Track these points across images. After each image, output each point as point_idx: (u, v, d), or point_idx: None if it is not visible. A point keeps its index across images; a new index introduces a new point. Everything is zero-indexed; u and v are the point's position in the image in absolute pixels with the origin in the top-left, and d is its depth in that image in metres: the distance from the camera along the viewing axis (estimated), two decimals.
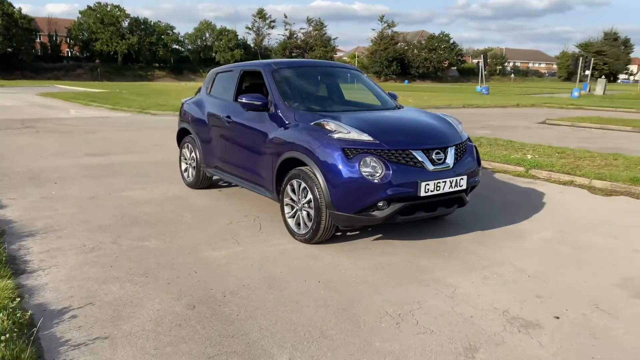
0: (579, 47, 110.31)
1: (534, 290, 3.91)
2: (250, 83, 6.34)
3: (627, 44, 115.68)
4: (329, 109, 5.54)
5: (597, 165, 8.27)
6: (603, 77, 67.65)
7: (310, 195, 4.64)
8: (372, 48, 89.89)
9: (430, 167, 4.53)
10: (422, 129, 4.91)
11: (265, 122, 5.31)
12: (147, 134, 13.29)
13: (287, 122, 5.07)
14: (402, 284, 3.99)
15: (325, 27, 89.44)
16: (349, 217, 4.49)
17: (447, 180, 4.59)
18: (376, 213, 4.46)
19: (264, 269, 4.24)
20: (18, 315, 3.21)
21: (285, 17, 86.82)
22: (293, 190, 4.92)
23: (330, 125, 4.65)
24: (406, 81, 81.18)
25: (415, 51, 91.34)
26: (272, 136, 5.13)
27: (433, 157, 4.59)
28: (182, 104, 7.26)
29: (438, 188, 4.54)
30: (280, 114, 5.18)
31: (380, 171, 4.35)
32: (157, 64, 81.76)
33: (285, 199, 5.01)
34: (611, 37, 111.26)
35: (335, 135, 4.53)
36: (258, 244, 4.83)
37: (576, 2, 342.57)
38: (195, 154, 6.67)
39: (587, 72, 52.40)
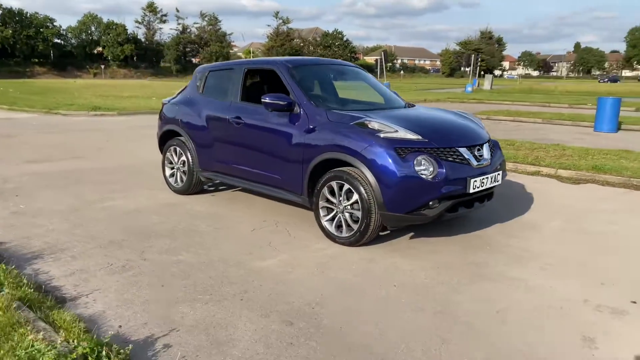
0: (459, 45, 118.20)
1: (593, 277, 4.12)
2: (253, 82, 6.04)
3: (500, 42, 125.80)
4: (356, 107, 5.42)
5: (554, 156, 8.90)
6: (490, 72, 72.84)
7: (355, 197, 4.52)
8: (269, 44, 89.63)
9: (474, 163, 4.62)
10: (459, 127, 4.98)
11: (289, 123, 5.10)
12: (78, 136, 12.20)
13: (315, 123, 4.89)
14: (473, 281, 4.02)
15: (220, 22, 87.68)
16: (400, 217, 4.45)
17: (489, 175, 4.71)
18: (427, 212, 4.45)
19: (328, 276, 4.08)
20: (120, 351, 2.81)
21: (177, 11, 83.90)
22: (331, 193, 4.77)
23: (374, 124, 4.57)
24: None
25: (311, 48, 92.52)
26: (301, 137, 4.94)
27: (475, 153, 4.68)
28: (164, 105, 6.75)
29: (482, 184, 4.64)
30: (306, 114, 4.99)
31: (433, 169, 4.35)
32: (36, 60, 75.27)
33: (321, 202, 4.84)
34: (487, 36, 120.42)
35: (384, 135, 4.45)
36: (300, 250, 4.64)
37: (452, 2, 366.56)
38: (188, 158, 6.24)
39: (469, 69, 56.38)
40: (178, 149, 6.41)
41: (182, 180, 6.47)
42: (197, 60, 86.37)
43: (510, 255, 4.60)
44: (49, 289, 3.76)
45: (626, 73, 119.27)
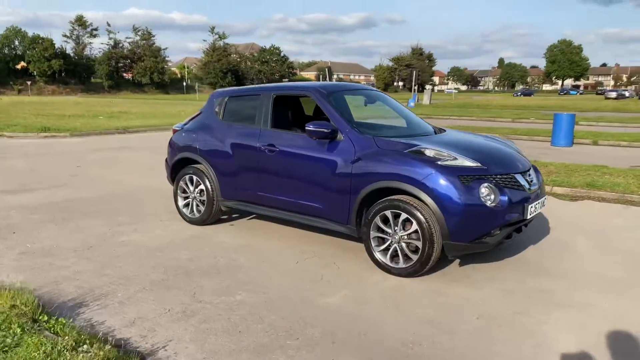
0: (392, 61, 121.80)
1: None
2: (282, 108, 5.84)
3: (430, 58, 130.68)
4: (396, 134, 5.33)
5: (543, 173, 9.18)
6: (422, 88, 74.79)
7: (415, 226, 4.44)
8: (205, 59, 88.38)
9: (528, 189, 4.66)
10: (508, 153, 5.01)
11: (331, 151, 4.96)
12: (43, 162, 11.40)
13: (363, 150, 4.78)
14: (548, 309, 4.02)
15: (154, 36, 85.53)
16: (464, 246, 4.41)
17: (540, 200, 4.77)
18: (488, 240, 4.44)
19: (404, 311, 3.96)
20: None
21: (109, 25, 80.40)
22: (385, 222, 4.66)
23: (430, 152, 4.53)
24: None
25: (249, 63, 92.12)
26: (347, 166, 4.81)
27: (527, 178, 4.73)
28: (175, 131, 6.42)
29: (535, 209, 4.69)
30: (352, 142, 4.87)
31: (495, 197, 4.35)
32: None
33: (373, 232, 4.72)
34: (418, 52, 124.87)
35: (444, 163, 4.41)
36: (358, 284, 4.49)
37: (380, 19, 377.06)
38: (207, 187, 5.94)
39: (401, 83, 58.09)
40: (195, 177, 6.09)
41: (198, 210, 6.15)
42: (130, 75, 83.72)
43: (562, 278, 4.65)
44: (118, 343, 3.41)
45: (547, 87, 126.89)
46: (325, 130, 4.89)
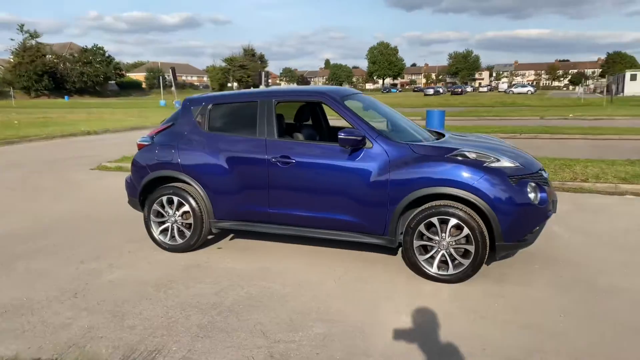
0: (225, 62, 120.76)
1: None
2: (280, 114, 5.35)
3: (262, 59, 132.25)
4: (420, 138, 5.18)
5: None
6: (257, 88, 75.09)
7: (465, 231, 4.41)
8: (15, 60, 78.41)
9: (549, 185, 4.91)
10: (520, 153, 5.18)
11: (360, 159, 4.69)
12: None
13: (398, 157, 4.61)
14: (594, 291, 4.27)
15: None
16: (513, 245, 4.49)
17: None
18: (529, 237, 4.58)
19: (492, 319, 3.90)
20: None
21: None
22: (430, 229, 4.56)
23: (473, 154, 4.53)
24: (66, 97, 74.04)
25: (69, 64, 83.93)
26: (382, 174, 4.59)
27: (545, 175, 4.98)
28: (143, 146, 5.53)
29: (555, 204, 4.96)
30: (383, 149, 4.66)
31: (537, 195, 4.51)
32: None
33: (416, 241, 4.58)
34: (250, 53, 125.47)
35: (491, 165, 4.45)
36: (418, 298, 4.31)
37: (204, 19, 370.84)
38: (194, 208, 5.22)
39: (235, 84, 57.44)
40: (175, 198, 5.32)
41: (182, 236, 5.39)
42: None
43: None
44: None
45: (369, 86, 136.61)
46: (358, 138, 4.60)
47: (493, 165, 4.44)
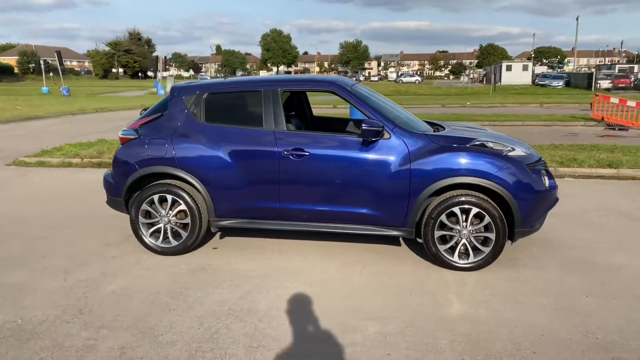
0: (109, 46, 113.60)
1: None
2: (290, 105, 5.07)
3: (149, 44, 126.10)
4: (424, 128, 5.12)
5: None
6: (145, 74, 70.01)
7: (487, 219, 4.50)
8: None
9: None
10: (520, 142, 5.34)
11: (378, 151, 4.60)
12: None
13: (418, 148, 4.58)
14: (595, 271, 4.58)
15: None
16: (529, 231, 4.65)
17: None
18: (536, 224, 4.77)
19: (531, 304, 4.01)
20: None
21: None
22: (450, 219, 4.59)
23: (490, 144, 4.62)
24: None
25: None
26: (402, 165, 4.54)
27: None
28: (125, 141, 4.98)
29: None
30: (402, 140, 4.61)
31: (548, 181, 4.71)
32: None
33: (437, 232, 4.59)
34: (136, 37, 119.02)
35: (510, 154, 4.56)
36: (447, 288, 4.33)
37: (80, 0, 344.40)
38: (192, 206, 4.82)
39: (121, 70, 53.41)
40: (169, 196, 4.86)
41: (177, 237, 4.96)
42: None
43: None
44: None
45: (262, 73, 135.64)
46: (379, 129, 4.49)
47: (511, 154, 4.54)
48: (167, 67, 52.22)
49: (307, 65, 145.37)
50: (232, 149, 4.76)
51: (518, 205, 4.44)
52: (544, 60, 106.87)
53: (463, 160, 4.48)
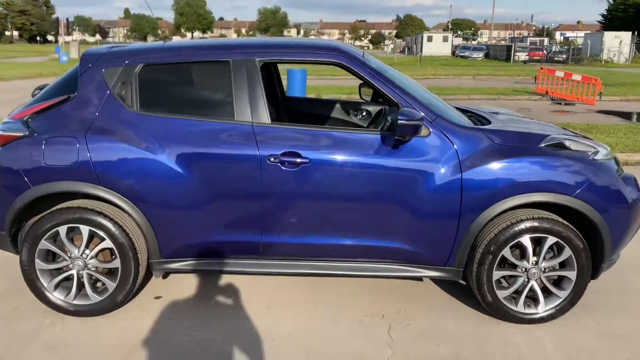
0: (1, 6, 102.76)
1: None
2: (272, 84, 3.38)
3: (48, 5, 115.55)
4: (460, 119, 3.55)
5: None
6: (43, 38, 63.65)
7: (568, 252, 3.13)
8: None
9: None
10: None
11: (411, 154, 3.08)
12: None
13: (469, 150, 3.10)
14: None
15: None
16: (613, 263, 3.37)
17: None
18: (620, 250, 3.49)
19: None
20: None
21: None
22: (515, 252, 3.19)
23: (569, 143, 3.23)
24: None
25: None
26: (450, 175, 3.05)
27: None
28: (11, 139, 3.09)
29: None
30: (447, 137, 3.10)
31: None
32: None
33: (497, 272, 3.17)
34: None
35: (597, 157, 3.20)
36: (517, 357, 2.96)
37: None
38: (123, 242, 3.06)
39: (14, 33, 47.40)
40: (85, 228, 3.07)
41: (98, 290, 3.21)
42: None
43: None
44: None
45: (176, 39, 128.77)
46: (418, 123, 2.93)
47: (598, 157, 3.17)
48: (69, 30, 47.22)
49: (223, 32, 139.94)
50: (185, 152, 3.04)
51: (610, 230, 3.09)
52: (459, 32, 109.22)
53: (537, 169, 3.06)
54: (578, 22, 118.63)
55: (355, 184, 3.06)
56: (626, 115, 12.94)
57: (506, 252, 3.13)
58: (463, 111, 3.79)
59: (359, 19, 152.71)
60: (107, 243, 3.09)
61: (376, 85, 3.13)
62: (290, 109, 4.48)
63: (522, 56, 44.57)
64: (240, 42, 3.31)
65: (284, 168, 3.01)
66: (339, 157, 3.05)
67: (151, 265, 3.21)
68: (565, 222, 3.10)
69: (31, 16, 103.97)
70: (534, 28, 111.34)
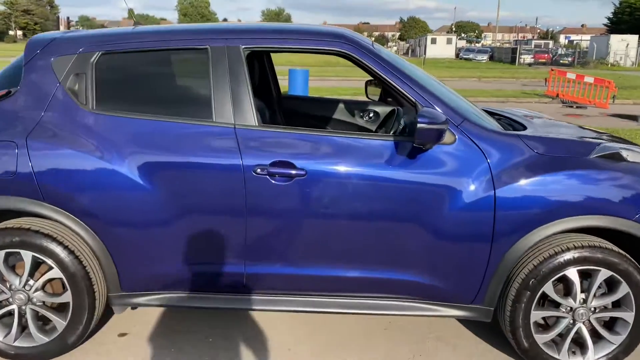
0: (4, 5, 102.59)
1: None
2: (261, 78, 2.79)
3: (52, 4, 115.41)
4: (488, 122, 2.94)
5: None
6: None
7: (624, 289, 2.53)
8: None
9: None
10: None
11: (429, 165, 2.48)
12: None
13: (503, 160, 2.50)
14: None
15: None
16: None
17: None
18: None
19: None
20: None
21: None
22: (558, 287, 2.58)
23: (628, 153, 2.63)
24: None
25: None
26: (483, 192, 2.45)
27: None
28: None
29: None
30: (476, 144, 2.50)
31: None
32: None
33: (535, 312, 2.56)
34: None
35: None
36: None
37: None
38: (79, 270, 2.47)
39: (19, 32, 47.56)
40: (27, 254, 2.48)
41: (45, 329, 2.61)
42: None
43: None
44: None
45: None
46: (442, 127, 2.33)
47: None
48: (70, 29, 46.76)
49: None
50: (151, 161, 2.44)
51: None
52: (462, 35, 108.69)
53: (590, 186, 2.47)
54: (582, 26, 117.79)
55: (362, 202, 2.46)
56: None
57: (548, 287, 2.53)
58: (490, 114, 3.19)
59: (363, 21, 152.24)
60: (56, 272, 2.49)
61: (389, 80, 2.53)
62: (286, 110, 3.88)
63: (527, 59, 43.98)
64: (222, 26, 2.72)
65: (273, 181, 2.42)
66: (342, 169, 2.45)
67: (110, 299, 2.61)
68: (622, 251, 2.50)
69: (35, 16, 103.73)
70: (538, 31, 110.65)
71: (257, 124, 2.48)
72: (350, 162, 2.45)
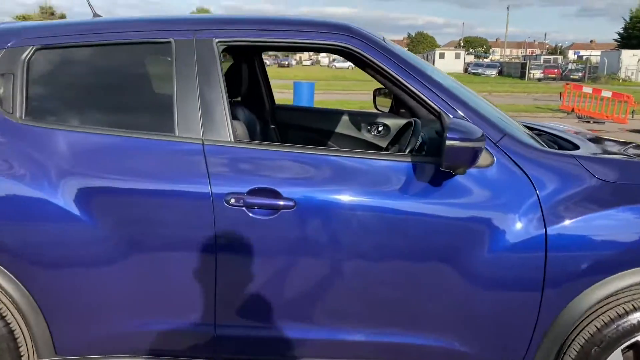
0: (17, 20, 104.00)
1: None
2: (237, 81, 2.22)
3: (64, 18, 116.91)
4: (530, 138, 2.33)
5: None
6: None
7: None
8: None
9: None
10: None
11: (460, 194, 1.88)
12: None
13: (558, 189, 1.91)
14: None
15: None
16: None
17: None
18: None
19: None
20: None
21: None
22: (627, 354, 1.96)
23: None
24: None
25: None
26: (531, 230, 1.86)
27: None
28: None
29: None
30: (520, 168, 1.90)
31: None
32: None
33: None
34: (48, 12, 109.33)
35: None
36: None
37: None
38: (6, 330, 1.88)
39: None
40: None
41: None
42: None
43: None
44: None
45: None
46: (478, 145, 1.72)
47: None
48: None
49: None
50: (93, 187, 1.87)
51: None
52: (471, 50, 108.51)
53: None
54: (591, 41, 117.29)
55: (369, 242, 1.87)
56: None
57: (616, 356, 1.90)
58: (529, 129, 2.59)
59: None
60: None
61: (406, 82, 1.95)
62: (281, 122, 3.31)
63: (537, 74, 43.54)
64: (192, 16, 2.15)
65: (251, 215, 1.82)
66: (345, 198, 1.86)
67: None
68: None
69: None
70: (547, 46, 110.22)
71: (232, 140, 1.90)
72: (355, 190, 1.86)
